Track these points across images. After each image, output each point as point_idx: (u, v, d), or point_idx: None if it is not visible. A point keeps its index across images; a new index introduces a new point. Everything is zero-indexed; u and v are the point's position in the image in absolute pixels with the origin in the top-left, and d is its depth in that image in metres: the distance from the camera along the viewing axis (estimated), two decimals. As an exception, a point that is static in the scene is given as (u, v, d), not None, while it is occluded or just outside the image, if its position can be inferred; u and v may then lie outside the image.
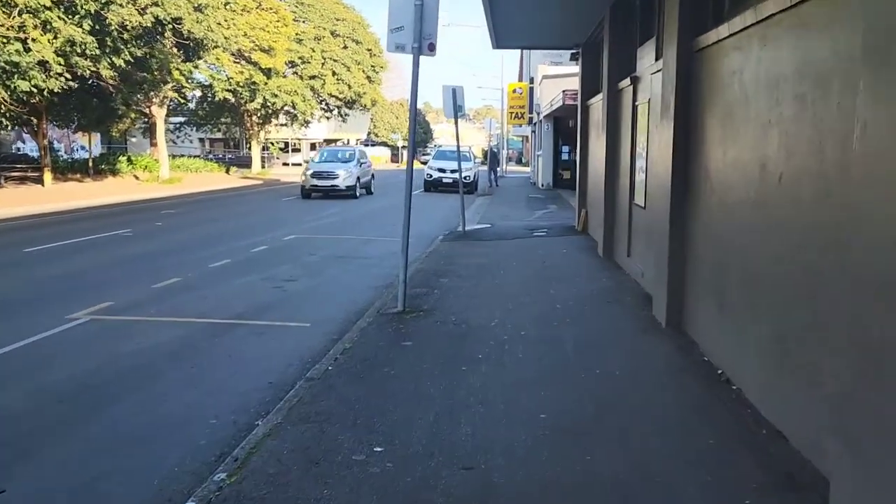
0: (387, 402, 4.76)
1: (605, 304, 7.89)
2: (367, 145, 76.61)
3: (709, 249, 5.69)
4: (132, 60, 21.25)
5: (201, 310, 8.09)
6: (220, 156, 54.95)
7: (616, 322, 7.12)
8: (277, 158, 57.02)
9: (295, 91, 35.65)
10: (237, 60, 30.62)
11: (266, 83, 33.31)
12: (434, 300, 8.24)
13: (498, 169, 40.64)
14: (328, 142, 63.87)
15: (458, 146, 15.09)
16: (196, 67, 26.63)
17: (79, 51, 18.89)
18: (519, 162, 73.72)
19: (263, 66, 30.79)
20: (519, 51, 71.42)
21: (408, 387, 5.08)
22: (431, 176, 29.18)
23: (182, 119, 42.92)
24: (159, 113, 31.38)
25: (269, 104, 35.85)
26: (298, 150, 59.07)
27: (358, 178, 25.80)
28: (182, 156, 43.63)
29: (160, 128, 31.55)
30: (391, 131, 76.15)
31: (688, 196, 6.24)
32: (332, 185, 24.90)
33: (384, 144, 77.52)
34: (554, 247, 12.59)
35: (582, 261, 10.93)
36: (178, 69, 25.05)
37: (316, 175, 25.00)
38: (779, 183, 4.21)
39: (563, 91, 19.12)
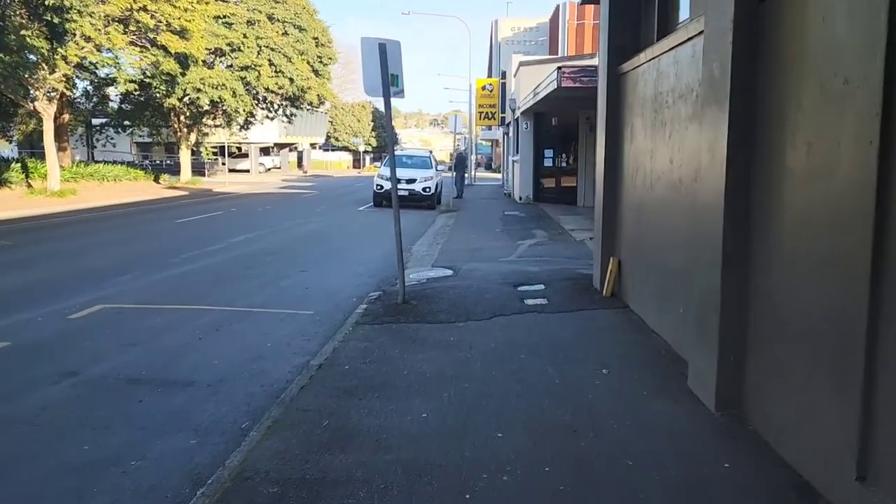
0: None
1: None
2: (325, 150, 69.66)
3: None
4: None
5: None
6: (158, 162, 47.67)
7: None
8: (223, 164, 49.83)
9: (223, 84, 28.67)
10: (139, 43, 23.67)
11: (181, 73, 26.31)
12: None
13: (465, 176, 34.15)
14: (279, 146, 56.89)
15: (392, 141, 8.41)
16: (53, 42, 19.59)
17: None
18: (488, 168, 67.40)
19: (173, 51, 23.79)
20: (488, 44, 65.13)
21: None
22: (382, 187, 22.55)
23: (103, 120, 35.77)
24: (46, 110, 24.26)
25: (192, 100, 28.85)
26: (246, 156, 51.85)
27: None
28: (103, 162, 36.58)
29: (48, 128, 24.41)
30: (352, 135, 69.15)
31: None
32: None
33: (345, 149, 70.51)
34: (577, 351, 6.01)
35: (680, 438, 4.34)
36: (37, 47, 18.07)
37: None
38: None
39: (559, 68, 12.71)
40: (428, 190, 22.46)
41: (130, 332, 7.00)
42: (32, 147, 43.46)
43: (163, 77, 26.11)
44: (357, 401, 4.76)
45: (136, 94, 31.19)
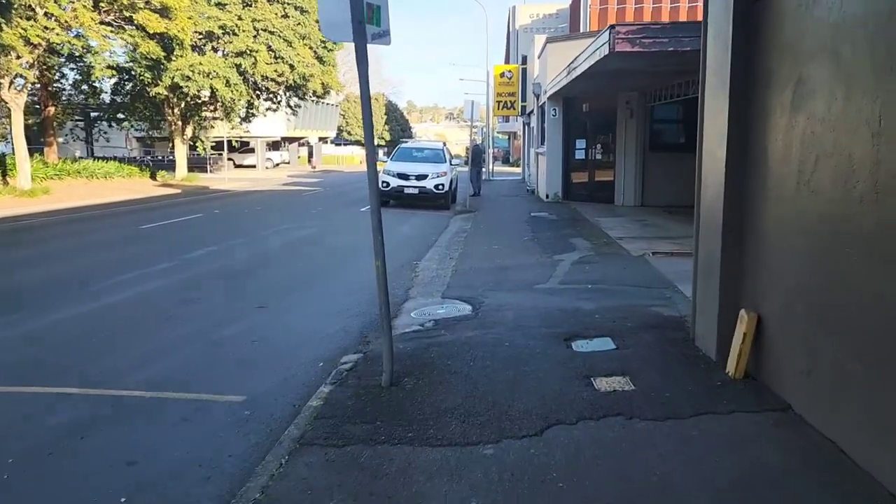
0: None
1: None
2: (337, 144, 66.53)
3: None
4: None
5: None
6: (160, 157, 44.70)
7: None
8: (229, 159, 46.78)
9: (215, 72, 25.47)
10: (114, 22, 20.51)
11: (166, 58, 23.13)
12: None
13: (483, 170, 30.79)
14: (287, 140, 53.82)
15: (369, 117, 4.96)
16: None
17: None
18: (506, 161, 63.90)
19: (152, 31, 20.58)
20: (505, 32, 61.62)
21: None
22: (388, 184, 19.28)
23: (97, 113, 32.81)
24: (15, 100, 21.25)
25: (182, 88, 25.67)
26: (252, 150, 48.69)
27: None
28: (102, 158, 33.79)
29: (16, 121, 21.41)
30: (365, 129, 65.68)
31: None
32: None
33: (358, 143, 67.19)
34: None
35: None
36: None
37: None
38: None
39: (612, 27, 9.29)
40: (441, 187, 19.15)
41: None
42: (30, 142, 40.69)
43: (145, 62, 22.95)
44: None
45: (126, 83, 28.24)
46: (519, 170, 43.62)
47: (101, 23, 19.85)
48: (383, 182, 19.49)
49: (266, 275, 9.52)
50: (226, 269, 9.79)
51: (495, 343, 5.77)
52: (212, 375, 5.34)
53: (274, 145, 53.78)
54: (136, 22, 20.41)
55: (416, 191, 19.01)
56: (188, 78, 25.09)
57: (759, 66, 4.46)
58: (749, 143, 4.60)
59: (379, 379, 4.84)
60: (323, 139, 61.36)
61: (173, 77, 24.79)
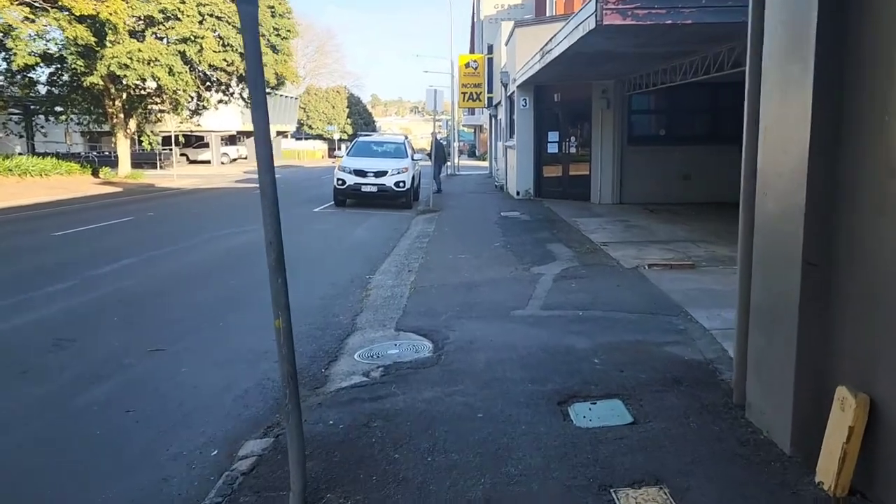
0: None
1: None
2: (298, 138, 64.16)
3: None
4: None
5: None
6: (107, 153, 42.01)
7: None
8: (183, 155, 44.36)
9: (156, 60, 23.27)
10: (36, 3, 18.25)
11: (96, 43, 20.87)
12: None
13: (446, 165, 29.09)
14: (244, 134, 51.41)
15: (258, 80, 3.19)
16: None
17: None
18: (472, 155, 62.26)
19: (78, 14, 18.39)
20: (470, 23, 59.98)
21: None
22: (344, 182, 17.44)
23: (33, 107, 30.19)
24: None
25: (120, 78, 23.39)
26: (206, 146, 46.12)
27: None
28: (43, 154, 31.17)
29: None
30: (327, 122, 63.46)
31: None
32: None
33: (319, 137, 64.84)
34: None
35: None
36: None
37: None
38: None
39: (599, -4, 7.64)
40: (402, 185, 17.38)
41: None
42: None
43: (75, 49, 20.67)
44: None
45: (63, 73, 25.78)
46: (485, 164, 42.07)
47: (22, 3, 17.59)
48: (338, 180, 17.65)
49: (179, 298, 7.68)
50: (133, 292, 7.91)
51: (464, 413, 4.10)
52: (41, 481, 3.56)
53: (230, 140, 51.26)
54: (61, 3, 18.16)
55: (374, 189, 17.23)
56: (126, 66, 22.83)
57: (870, 10, 2.82)
58: (845, 133, 2.97)
59: (286, 495, 3.13)
60: (282, 133, 58.89)
61: (109, 65, 22.52)
